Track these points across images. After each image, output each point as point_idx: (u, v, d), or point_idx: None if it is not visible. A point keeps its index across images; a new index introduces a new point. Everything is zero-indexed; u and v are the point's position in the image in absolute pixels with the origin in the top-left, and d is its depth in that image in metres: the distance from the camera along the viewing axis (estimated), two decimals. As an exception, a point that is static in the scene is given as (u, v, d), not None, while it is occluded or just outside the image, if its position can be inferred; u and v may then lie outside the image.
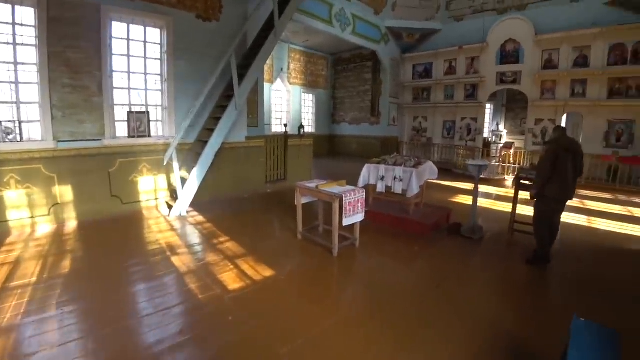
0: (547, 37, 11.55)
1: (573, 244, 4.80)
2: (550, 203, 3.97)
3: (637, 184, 9.52)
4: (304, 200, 4.36)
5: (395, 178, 4.90)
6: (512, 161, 11.42)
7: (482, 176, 10.15)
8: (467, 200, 7.70)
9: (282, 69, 14.89)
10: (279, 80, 14.92)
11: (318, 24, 11.40)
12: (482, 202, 7.03)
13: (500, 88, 13.23)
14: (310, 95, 16.73)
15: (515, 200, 4.79)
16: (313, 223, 4.96)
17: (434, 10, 13.84)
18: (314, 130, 16.87)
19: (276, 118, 15.14)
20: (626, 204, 7.85)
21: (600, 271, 4.04)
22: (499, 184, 10.17)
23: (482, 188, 8.98)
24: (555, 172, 3.80)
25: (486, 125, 15.16)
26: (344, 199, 3.62)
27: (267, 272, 3.64)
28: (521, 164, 11.21)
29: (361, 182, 5.32)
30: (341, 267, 3.86)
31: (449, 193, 8.34)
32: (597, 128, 10.99)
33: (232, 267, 3.78)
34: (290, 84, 15.43)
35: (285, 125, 9.35)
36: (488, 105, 15.10)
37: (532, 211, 4.10)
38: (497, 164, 12.15)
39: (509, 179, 10.87)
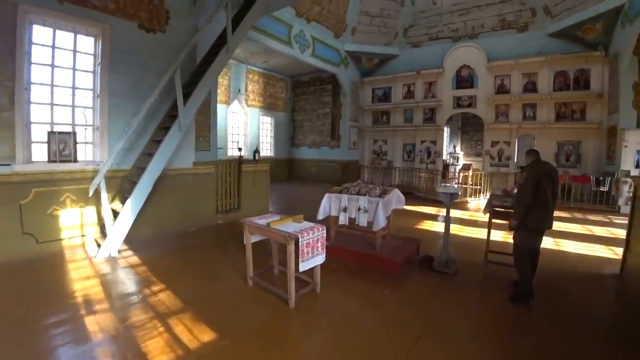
0: (498, 64, 11.99)
1: (549, 272, 4.46)
2: (531, 234, 3.64)
3: (589, 200, 9.82)
4: (255, 239, 3.68)
5: (359, 209, 4.37)
6: (471, 183, 11.41)
7: (439, 198, 10.05)
8: (434, 226, 7.38)
9: (239, 90, 14.31)
10: (236, 101, 14.30)
11: (277, 45, 11.09)
12: (448, 229, 6.75)
13: (458, 112, 13.50)
14: (269, 118, 16.21)
15: (489, 230, 4.42)
16: (267, 264, 4.26)
17: (392, 36, 14.03)
18: (272, 154, 16.28)
19: (233, 141, 14.40)
20: (584, 222, 8.00)
21: (584, 303, 3.73)
22: (462, 206, 10.02)
23: (444, 212, 8.75)
24: (537, 199, 3.49)
25: (444, 147, 15.37)
26: (300, 239, 3.00)
27: (207, 335, 2.88)
28: (481, 186, 11.24)
29: (321, 214, 4.73)
30: (301, 322, 3.18)
31: (414, 219, 7.98)
32: (548, 149, 11.39)
33: (162, 329, 2.98)
34: (248, 105, 14.85)
35: (240, 149, 8.67)
36: (445, 128, 15.37)
37: (500, 234, 3.71)
38: (457, 185, 12.15)
39: (471, 201, 10.82)
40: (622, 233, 6.86)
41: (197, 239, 6.07)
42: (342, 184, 5.14)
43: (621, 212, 9.18)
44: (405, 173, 13.90)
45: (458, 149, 19.00)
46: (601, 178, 9.68)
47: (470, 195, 11.18)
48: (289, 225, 3.28)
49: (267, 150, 16.16)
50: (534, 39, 11.59)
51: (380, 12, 13.21)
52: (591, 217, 8.72)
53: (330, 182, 14.13)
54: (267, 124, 16.18)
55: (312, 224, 3.32)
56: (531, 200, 3.48)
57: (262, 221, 3.47)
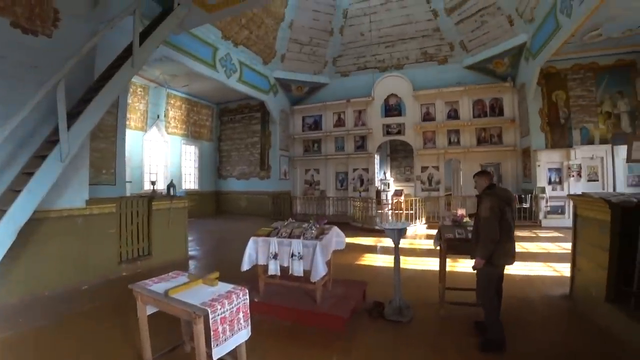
0: (423, 93, 12.50)
1: (505, 301, 4.02)
2: (497, 270, 3.21)
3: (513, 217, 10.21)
4: (154, 309, 2.65)
5: (292, 255, 3.57)
6: (404, 208, 11.28)
7: (376, 227, 9.67)
8: (375, 260, 6.84)
9: (158, 116, 12.89)
10: (154, 128, 12.82)
11: (200, 67, 10.25)
12: (389, 262, 6.24)
13: (387, 139, 13.68)
14: (193, 147, 14.86)
15: (443, 266, 3.89)
16: (177, 339, 3.16)
17: (322, 65, 13.95)
18: (197, 187, 14.80)
19: (151, 173, 12.78)
20: (516, 240, 7.99)
21: (549, 336, 3.37)
22: (399, 235, 9.69)
23: (383, 242, 8.35)
24: (501, 231, 3.08)
25: (376, 174, 15.47)
26: (210, 315, 2.09)
27: None
28: (415, 211, 11.11)
29: (246, 263, 3.82)
30: None
31: (353, 253, 7.34)
32: (472, 171, 11.75)
33: None
34: (169, 133, 13.44)
35: (153, 183, 7.41)
36: (376, 156, 15.53)
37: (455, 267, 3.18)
38: (390, 211, 12.02)
39: (409, 228, 10.58)
40: (551, 247, 7.38)
41: (89, 300, 4.68)
42: (273, 222, 4.29)
43: (543, 226, 9.82)
44: (339, 202, 13.56)
45: (388, 175, 19.45)
46: (522, 196, 10.21)
47: (407, 221, 10.99)
48: (198, 292, 2.34)
49: (190, 182, 14.70)
50: (453, 70, 12.35)
51: (309, 41, 13.07)
52: (519, 233, 8.88)
53: (260, 215, 13.16)
54: (190, 153, 14.80)
55: (230, 287, 2.41)
56: (499, 234, 3.06)
57: (159, 286, 2.47)
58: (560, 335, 3.48)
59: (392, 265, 6.05)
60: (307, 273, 3.60)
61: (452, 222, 4.13)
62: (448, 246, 3.75)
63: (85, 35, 5.37)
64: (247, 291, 2.40)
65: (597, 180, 9.65)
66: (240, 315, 2.32)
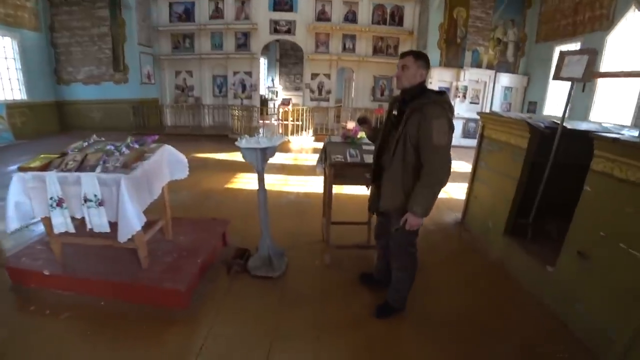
0: (319, -14, 10.71)
1: None
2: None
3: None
4: None
5: (85, 201, 2.16)
6: (292, 119, 10.24)
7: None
8: (250, 181, 5.69)
9: None
10: None
11: None
12: (271, 183, 5.27)
13: (275, 38, 11.85)
14: (9, 40, 10.25)
15: (328, 199, 2.96)
16: None
17: None
18: (25, 97, 10.74)
19: None
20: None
21: (457, 281, 2.90)
22: (283, 147, 8.68)
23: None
24: None
25: (261, 81, 13.74)
26: None
27: None
28: (302, 122, 10.16)
29: (14, 219, 2.25)
30: None
31: (224, 173, 6.11)
32: (365, 83, 11.56)
33: None
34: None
35: None
36: (262, 60, 13.61)
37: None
38: (277, 122, 10.88)
39: (293, 140, 9.71)
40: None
41: None
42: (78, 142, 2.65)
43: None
44: (217, 111, 11.81)
45: (276, 82, 17.83)
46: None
47: (292, 133, 10.05)
48: None
49: (13, 90, 10.36)
50: (357, -36, 10.75)
51: None
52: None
53: (121, 129, 10.53)
54: (5, 48, 10.17)
55: None
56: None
57: None
58: (460, 274, 3.05)
59: (273, 188, 5.16)
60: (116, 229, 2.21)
61: (342, 138, 3.16)
62: (336, 173, 2.76)
63: None
64: None
65: (478, 103, 9.95)
66: None
